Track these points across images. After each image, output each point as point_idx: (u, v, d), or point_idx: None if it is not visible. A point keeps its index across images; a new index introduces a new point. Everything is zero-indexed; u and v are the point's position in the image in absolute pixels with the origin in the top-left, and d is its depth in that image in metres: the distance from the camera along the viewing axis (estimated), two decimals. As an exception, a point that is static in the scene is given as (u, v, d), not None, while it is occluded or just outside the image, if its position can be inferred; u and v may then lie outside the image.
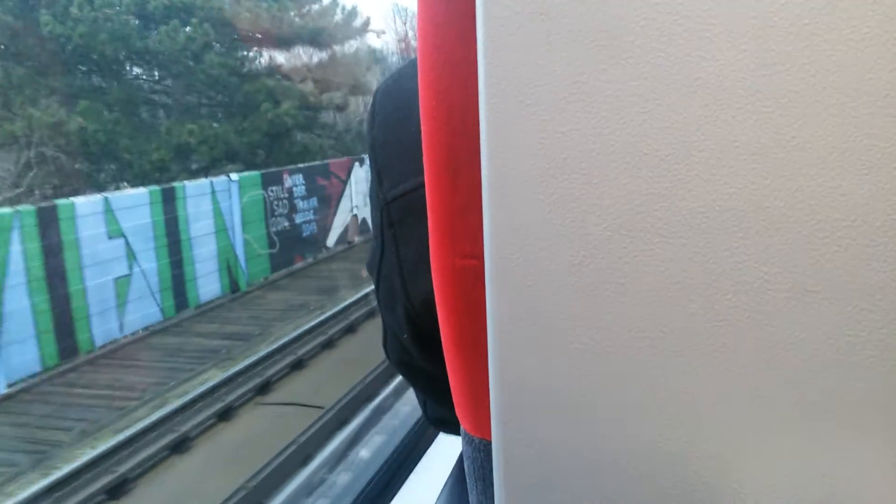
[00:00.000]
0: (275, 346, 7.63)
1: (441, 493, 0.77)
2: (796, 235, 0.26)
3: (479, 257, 0.32)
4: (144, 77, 13.45)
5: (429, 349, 0.48)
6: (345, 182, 13.47)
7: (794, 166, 0.25)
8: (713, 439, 0.28)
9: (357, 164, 13.96)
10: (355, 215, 13.95)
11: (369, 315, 8.91)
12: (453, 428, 0.54)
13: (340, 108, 16.76)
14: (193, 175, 11.91)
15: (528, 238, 0.29)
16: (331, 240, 13.01)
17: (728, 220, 0.26)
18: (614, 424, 0.29)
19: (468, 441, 0.40)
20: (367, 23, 16.00)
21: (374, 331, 8.38)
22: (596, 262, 0.28)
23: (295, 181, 11.77)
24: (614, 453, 0.30)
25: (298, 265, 11.86)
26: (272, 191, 11.12)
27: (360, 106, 18.65)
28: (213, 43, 13.07)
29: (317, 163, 12.84)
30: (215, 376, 6.89)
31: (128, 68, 13.18)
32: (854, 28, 0.24)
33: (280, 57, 14.46)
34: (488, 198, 0.29)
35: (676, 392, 0.28)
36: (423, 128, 0.36)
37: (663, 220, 0.27)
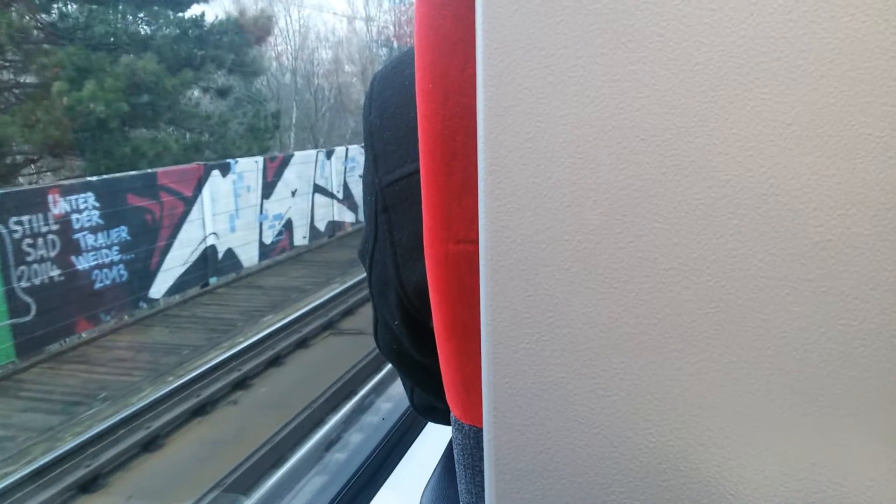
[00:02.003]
0: None
1: (427, 483, 0.67)
2: (792, 223, 0.25)
3: (474, 242, 0.31)
4: None
5: (419, 337, 0.48)
6: (190, 200, 9.17)
7: (790, 154, 0.25)
8: (706, 427, 0.28)
9: (217, 171, 9.65)
10: (212, 246, 9.66)
11: (94, 479, 4.63)
12: (440, 416, 0.58)
13: (223, 94, 12.42)
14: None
15: (523, 222, 0.28)
16: (159, 288, 8.72)
17: (724, 208, 0.26)
18: (607, 412, 0.29)
19: (458, 428, 0.40)
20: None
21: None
22: (591, 247, 0.28)
23: (77, 203, 7.46)
24: (606, 441, 0.30)
25: (86, 335, 7.59)
26: (21, 222, 6.83)
27: (257, 89, 14.25)
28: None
29: (131, 173, 8.50)
30: None
31: None
32: (853, 16, 0.24)
33: (104, 17, 10.04)
34: (484, 181, 0.29)
35: (669, 380, 0.28)
36: (419, 110, 0.35)
37: (659, 206, 0.27)
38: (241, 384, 6.28)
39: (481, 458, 0.34)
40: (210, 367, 6.47)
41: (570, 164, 0.27)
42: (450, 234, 0.35)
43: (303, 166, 11.92)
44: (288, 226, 11.56)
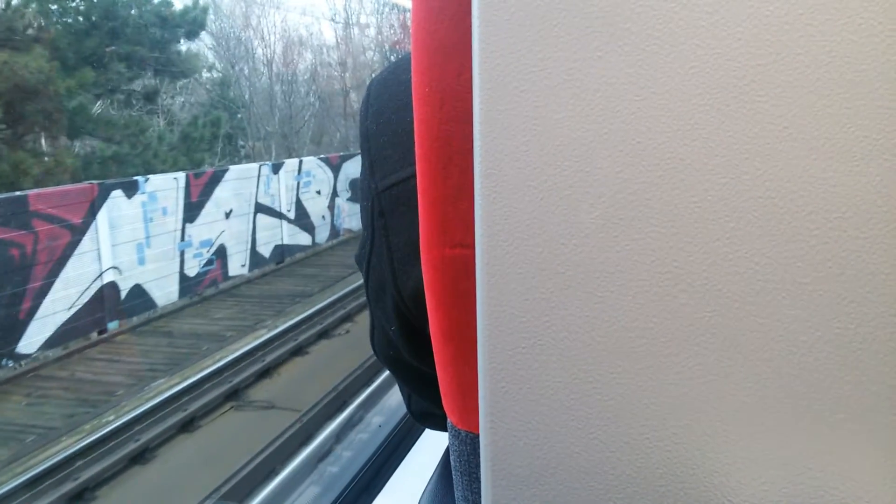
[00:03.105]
0: None
1: (425, 488, 0.66)
2: (788, 226, 0.26)
3: (470, 246, 0.31)
4: None
5: (416, 342, 0.48)
6: (80, 228, 7.41)
7: (787, 157, 0.25)
8: (703, 431, 0.28)
9: (119, 192, 7.90)
10: (112, 283, 7.90)
11: None
12: (437, 422, 0.58)
13: (149, 97, 10.68)
14: None
15: (519, 226, 0.29)
16: (32, 340, 6.92)
17: (720, 211, 0.26)
18: (604, 417, 0.29)
19: (454, 434, 0.39)
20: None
21: None
22: (587, 251, 0.28)
23: None
24: (603, 446, 0.29)
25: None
26: None
27: (190, 94, 12.52)
28: None
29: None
30: None
31: None
32: (850, 19, 0.24)
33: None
34: (480, 185, 0.29)
35: (666, 384, 0.28)
36: (415, 114, 0.35)
37: (655, 210, 0.27)
38: (79, 497, 4.51)
39: (478, 465, 0.34)
40: (47, 468, 4.71)
41: (566, 167, 0.27)
42: (446, 238, 0.35)
43: (240, 182, 10.17)
44: (220, 253, 9.79)
